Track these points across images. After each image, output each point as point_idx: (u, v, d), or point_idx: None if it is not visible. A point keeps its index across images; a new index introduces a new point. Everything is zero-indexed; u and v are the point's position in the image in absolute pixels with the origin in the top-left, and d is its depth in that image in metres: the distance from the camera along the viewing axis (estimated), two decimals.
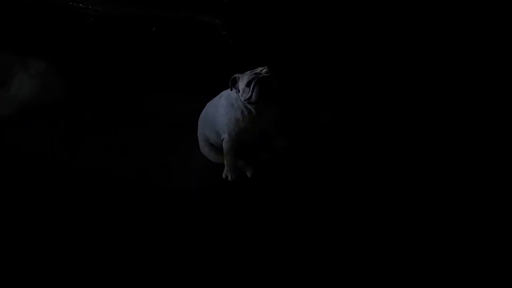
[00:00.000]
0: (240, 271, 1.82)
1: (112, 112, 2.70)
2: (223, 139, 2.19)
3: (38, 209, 2.09)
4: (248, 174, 2.25)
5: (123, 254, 1.88)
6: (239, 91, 2.09)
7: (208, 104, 2.29)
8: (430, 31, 2.94)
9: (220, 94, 2.24)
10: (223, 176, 2.23)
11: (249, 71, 2.10)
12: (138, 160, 2.35)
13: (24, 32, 3.14)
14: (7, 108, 2.68)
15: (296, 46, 2.99)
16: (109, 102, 2.79)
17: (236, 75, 2.10)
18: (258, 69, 2.10)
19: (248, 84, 2.04)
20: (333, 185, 2.20)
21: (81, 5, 3.07)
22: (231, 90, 2.12)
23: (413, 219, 2.02)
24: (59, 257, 1.86)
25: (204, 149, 2.32)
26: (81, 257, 1.86)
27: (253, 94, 2.04)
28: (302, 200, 2.13)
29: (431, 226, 1.99)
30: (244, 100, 2.08)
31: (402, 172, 2.28)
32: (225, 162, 2.23)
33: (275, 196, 2.15)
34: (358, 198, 2.13)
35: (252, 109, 2.11)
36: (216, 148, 2.27)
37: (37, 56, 2.96)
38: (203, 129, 2.30)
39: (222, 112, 2.16)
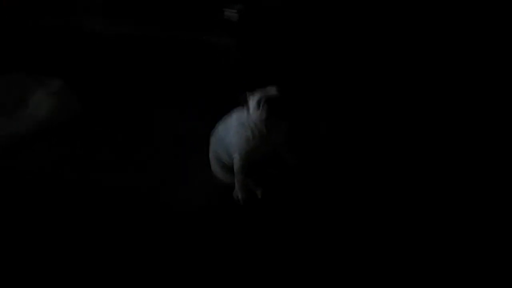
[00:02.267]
0: None
1: (125, 130, 2.77)
2: (234, 159, 2.24)
3: (53, 224, 2.13)
4: (258, 195, 2.28)
5: (131, 271, 1.90)
6: (249, 110, 2.13)
7: (220, 123, 2.32)
8: (423, 43, 2.96)
9: (231, 113, 2.27)
10: (234, 196, 2.26)
11: (259, 90, 2.13)
12: (150, 178, 2.39)
13: (41, 52, 3.23)
14: (25, 126, 2.76)
15: (299, 62, 3.04)
16: (123, 120, 2.86)
17: (247, 93, 2.14)
18: (268, 88, 2.13)
19: (258, 103, 2.08)
20: (342, 204, 2.22)
21: (95, 26, 3.16)
22: (242, 107, 2.16)
23: (418, 233, 2.04)
24: (71, 275, 1.90)
25: (216, 168, 2.35)
26: (90, 275, 1.89)
27: (263, 112, 2.09)
28: (311, 220, 2.14)
29: (435, 243, 2.00)
30: (255, 119, 2.13)
31: (411, 180, 2.30)
32: (235, 182, 2.27)
33: (285, 217, 2.16)
34: (372, 216, 2.14)
35: (263, 128, 2.15)
36: (228, 167, 2.30)
37: (53, 75, 3.06)
38: (215, 148, 2.33)
39: (233, 131, 2.20)
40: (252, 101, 2.10)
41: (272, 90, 2.11)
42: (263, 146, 2.19)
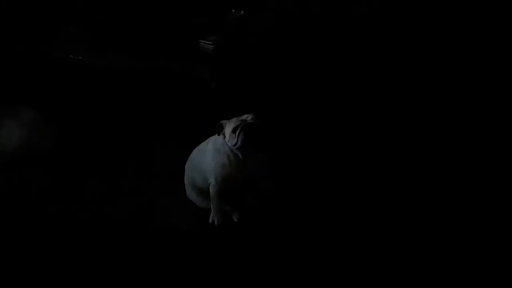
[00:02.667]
0: None
1: (99, 160, 2.76)
2: (209, 184, 2.24)
3: (27, 256, 2.08)
4: (235, 219, 2.28)
5: None
6: (225, 137, 2.16)
7: (195, 149, 2.34)
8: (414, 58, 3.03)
9: (207, 140, 2.30)
10: (210, 220, 2.26)
11: (235, 118, 2.17)
12: (127, 206, 2.37)
13: (13, 81, 3.19)
14: None
15: (276, 92, 3.10)
16: (97, 150, 2.84)
17: (223, 121, 2.17)
18: (244, 116, 2.17)
19: (234, 130, 2.11)
20: (318, 229, 2.24)
21: (70, 56, 3.16)
22: (218, 135, 2.18)
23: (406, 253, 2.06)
24: None
25: (191, 194, 2.36)
26: None
27: (239, 140, 2.11)
28: (288, 244, 2.15)
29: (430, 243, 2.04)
30: (231, 146, 2.15)
31: (390, 204, 2.35)
32: (211, 207, 2.27)
33: (261, 241, 2.17)
34: (347, 239, 2.17)
35: (239, 155, 2.17)
36: (203, 192, 2.31)
37: (26, 105, 3.02)
38: (190, 174, 2.35)
39: (209, 157, 2.22)
40: (228, 128, 2.13)
41: (248, 118, 2.15)
42: (239, 173, 2.22)
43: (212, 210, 2.27)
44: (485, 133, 2.66)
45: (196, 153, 2.33)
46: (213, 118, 2.67)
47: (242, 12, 3.11)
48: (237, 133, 2.10)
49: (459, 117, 2.79)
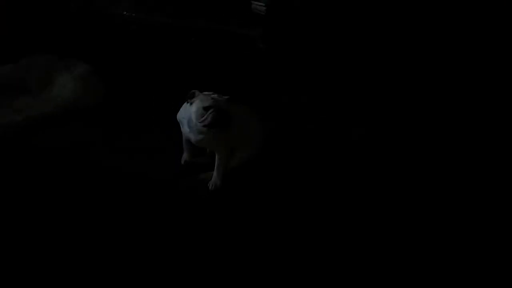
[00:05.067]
0: None
1: (144, 116, 2.82)
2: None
3: (69, 205, 2.16)
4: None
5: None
6: (191, 105, 2.15)
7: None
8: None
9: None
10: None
11: (207, 93, 2.15)
12: (166, 161, 2.43)
13: (69, 36, 3.27)
14: (49, 108, 2.79)
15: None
16: (143, 106, 2.91)
17: (196, 91, 2.16)
18: (216, 95, 2.14)
19: (206, 108, 2.09)
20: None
21: (124, 12, 3.18)
22: (187, 102, 2.18)
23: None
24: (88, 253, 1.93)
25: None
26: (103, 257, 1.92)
27: (208, 119, 2.09)
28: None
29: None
30: (196, 120, 2.13)
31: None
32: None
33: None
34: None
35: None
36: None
37: (80, 59, 3.09)
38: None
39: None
40: (201, 103, 2.11)
41: (222, 100, 2.12)
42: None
43: None
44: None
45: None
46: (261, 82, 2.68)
47: None
48: (209, 112, 2.09)
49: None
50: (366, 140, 2.64)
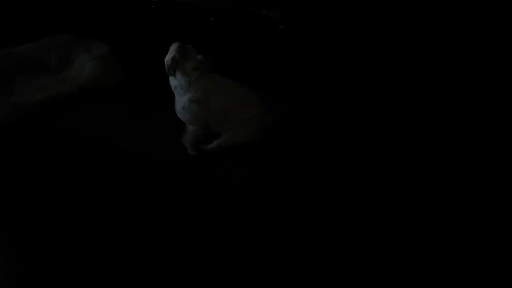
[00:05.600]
0: None
1: (159, 97, 2.78)
2: None
3: (86, 184, 2.24)
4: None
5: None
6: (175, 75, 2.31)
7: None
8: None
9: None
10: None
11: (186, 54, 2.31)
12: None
13: (89, 16, 3.28)
14: (67, 88, 2.82)
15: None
16: (160, 86, 2.86)
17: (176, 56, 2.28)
18: (197, 55, 2.34)
19: (196, 68, 2.29)
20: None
21: None
22: (171, 75, 2.32)
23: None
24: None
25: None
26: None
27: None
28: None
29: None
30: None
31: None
32: None
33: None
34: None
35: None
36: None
37: (99, 39, 3.09)
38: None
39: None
40: (188, 64, 2.28)
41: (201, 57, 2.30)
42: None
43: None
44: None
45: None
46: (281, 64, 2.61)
47: None
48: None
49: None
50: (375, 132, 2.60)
